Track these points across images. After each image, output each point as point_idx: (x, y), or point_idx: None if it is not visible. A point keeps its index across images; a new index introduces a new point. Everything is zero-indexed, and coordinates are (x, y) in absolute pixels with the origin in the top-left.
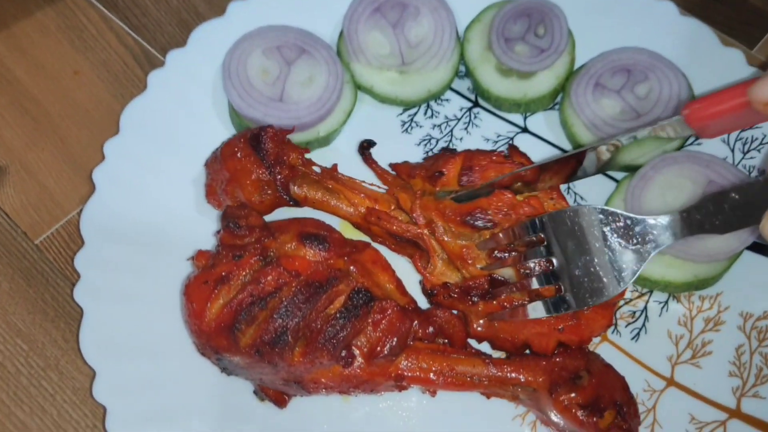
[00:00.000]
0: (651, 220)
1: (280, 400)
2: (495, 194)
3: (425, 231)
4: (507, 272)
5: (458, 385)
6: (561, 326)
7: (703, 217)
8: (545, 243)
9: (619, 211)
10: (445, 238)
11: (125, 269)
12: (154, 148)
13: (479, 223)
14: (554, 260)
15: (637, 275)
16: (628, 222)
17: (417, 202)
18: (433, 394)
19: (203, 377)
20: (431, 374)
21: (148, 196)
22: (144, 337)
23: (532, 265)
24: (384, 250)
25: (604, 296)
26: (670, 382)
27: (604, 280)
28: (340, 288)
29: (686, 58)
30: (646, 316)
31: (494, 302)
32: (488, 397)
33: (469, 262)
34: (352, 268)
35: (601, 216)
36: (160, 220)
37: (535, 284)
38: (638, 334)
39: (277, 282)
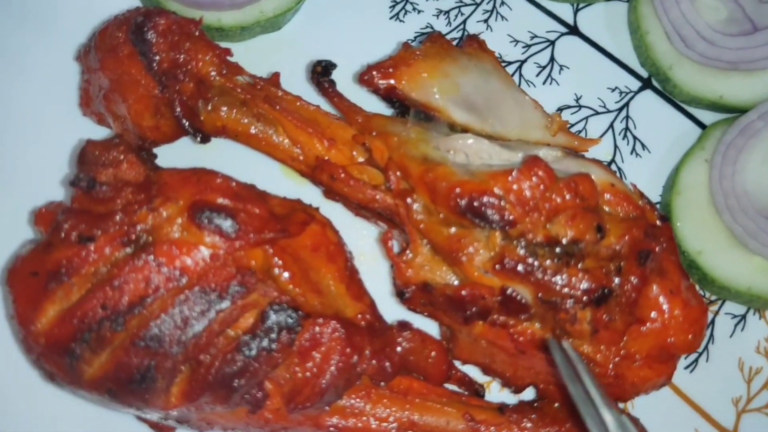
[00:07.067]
0: None
1: (165, 429)
2: (525, 165)
3: (403, 204)
4: (522, 289)
5: None
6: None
7: None
8: None
9: None
10: (422, 223)
11: None
12: (7, 22)
13: (487, 215)
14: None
15: None
16: None
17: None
18: None
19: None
20: (382, 428)
21: None
22: None
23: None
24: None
25: None
26: None
27: None
28: (249, 300)
29: None
30: (712, 336)
31: (501, 328)
32: None
33: (463, 259)
34: (276, 262)
35: None
36: (7, 139)
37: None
38: (696, 361)
39: (146, 286)
